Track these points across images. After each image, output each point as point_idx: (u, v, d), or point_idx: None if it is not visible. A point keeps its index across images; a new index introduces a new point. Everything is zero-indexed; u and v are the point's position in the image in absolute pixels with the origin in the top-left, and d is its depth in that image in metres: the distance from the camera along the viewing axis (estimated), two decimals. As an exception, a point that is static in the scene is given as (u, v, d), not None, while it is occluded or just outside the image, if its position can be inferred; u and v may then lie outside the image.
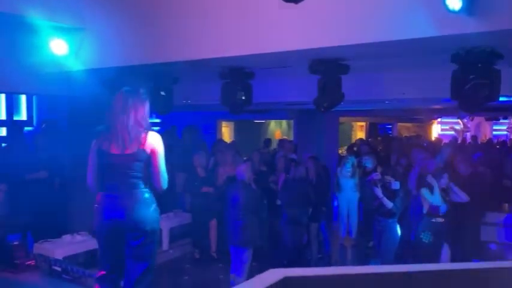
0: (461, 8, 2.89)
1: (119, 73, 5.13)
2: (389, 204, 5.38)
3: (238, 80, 4.97)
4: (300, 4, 3.09)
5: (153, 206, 3.07)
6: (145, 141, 2.98)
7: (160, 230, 6.64)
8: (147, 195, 3.04)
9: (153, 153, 3.00)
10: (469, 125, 16.80)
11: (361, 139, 13.77)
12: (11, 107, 8.54)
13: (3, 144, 7.58)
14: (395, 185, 5.43)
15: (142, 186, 3.02)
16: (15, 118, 8.66)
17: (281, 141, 9.47)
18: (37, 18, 4.38)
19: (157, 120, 10.08)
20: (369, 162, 7.20)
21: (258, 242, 5.47)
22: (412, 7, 3.18)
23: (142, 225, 3.00)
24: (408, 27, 3.24)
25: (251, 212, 5.30)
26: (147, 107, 3.09)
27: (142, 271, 3.09)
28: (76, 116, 6.73)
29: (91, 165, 3.13)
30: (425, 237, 5.19)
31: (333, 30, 3.53)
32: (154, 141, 3.02)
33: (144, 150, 2.98)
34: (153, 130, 3.09)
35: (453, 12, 2.93)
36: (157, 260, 6.37)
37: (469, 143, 12.65)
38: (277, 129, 15.77)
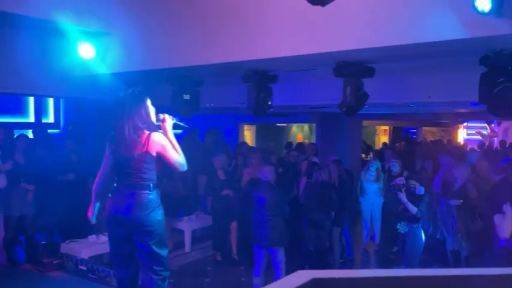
0: (491, 9, 2.83)
1: (144, 76, 5.21)
2: (413, 209, 5.30)
3: (261, 83, 4.97)
4: (326, 6, 3.08)
5: (156, 208, 3.16)
6: (148, 144, 3.06)
7: (182, 232, 6.80)
8: (151, 197, 3.14)
9: (159, 153, 3.10)
10: (496, 130, 16.37)
11: (385, 143, 13.61)
12: (39, 109, 8.78)
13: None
14: (420, 190, 5.34)
15: (149, 188, 3.13)
16: (43, 121, 8.89)
17: (299, 144, 9.42)
18: (66, 23, 4.53)
19: (181, 124, 10.18)
20: (396, 167, 7.10)
21: (287, 242, 5.51)
22: (440, 8, 3.13)
23: (145, 224, 3.11)
24: (436, 29, 3.19)
25: (278, 212, 5.35)
26: (145, 109, 3.14)
27: (155, 271, 3.17)
28: (102, 118, 6.86)
29: (102, 167, 3.29)
30: None
31: (359, 32, 3.51)
32: (159, 144, 3.08)
33: (149, 153, 3.07)
34: (156, 130, 3.14)
35: (482, 13, 2.87)
36: (179, 262, 6.50)
37: (497, 148, 12.33)
38: (299, 133, 15.72)
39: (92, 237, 5.72)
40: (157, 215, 3.16)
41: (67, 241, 5.56)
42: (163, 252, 3.20)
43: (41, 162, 6.17)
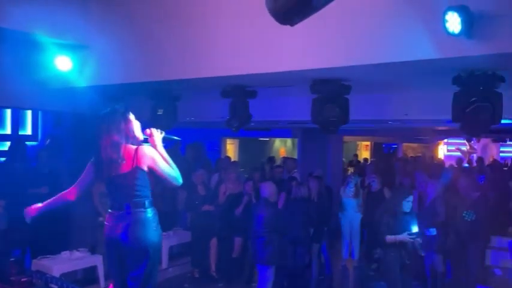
0: (461, 31, 2.89)
1: (122, 90, 5.18)
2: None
3: (240, 98, 4.98)
4: (302, 25, 3.09)
5: (154, 227, 3.01)
6: (136, 159, 2.93)
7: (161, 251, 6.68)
8: (148, 215, 2.99)
9: (150, 167, 2.95)
10: (475, 147, 16.65)
11: (365, 159, 13.70)
12: (17, 121, 8.62)
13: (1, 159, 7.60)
14: (431, 232, 5.49)
15: (144, 205, 2.98)
16: (20, 133, 8.73)
17: (285, 159, 9.43)
18: (43, 35, 4.50)
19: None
20: (375, 183, 7.15)
21: (280, 261, 5.45)
22: (413, 29, 3.18)
23: (141, 246, 2.96)
24: (409, 49, 3.25)
25: (272, 229, 5.29)
26: (126, 124, 3.01)
27: None
28: (80, 131, 6.77)
29: (80, 180, 3.13)
30: None
31: (334, 51, 3.55)
32: (148, 157, 2.94)
33: (139, 168, 2.94)
34: (140, 144, 3.01)
35: (453, 35, 2.94)
36: (157, 279, 6.38)
37: (475, 165, 12.52)
38: (282, 147, 15.74)
39: (65, 253, 5.60)
40: (155, 235, 3.00)
41: (39, 257, 5.42)
42: (153, 281, 3.05)
43: (14, 175, 6.04)
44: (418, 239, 4.66)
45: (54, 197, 3.23)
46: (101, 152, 2.96)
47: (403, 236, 4.62)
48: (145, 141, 3.06)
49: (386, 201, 5.65)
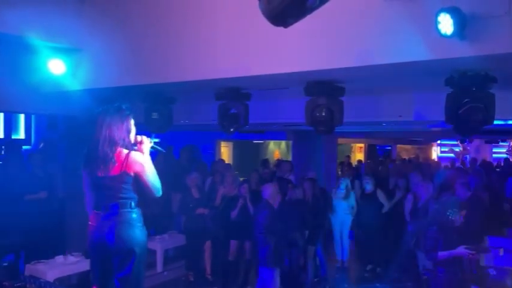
0: (453, 32, 2.92)
1: (116, 93, 5.15)
2: None
3: (234, 100, 4.97)
4: (295, 27, 3.10)
5: (140, 227, 3.04)
6: (126, 164, 2.93)
7: (154, 252, 6.66)
8: (134, 215, 3.01)
9: (137, 174, 2.95)
10: (468, 147, 16.78)
11: (359, 160, 13.74)
12: (10, 125, 8.58)
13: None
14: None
15: (130, 206, 3.00)
16: (13, 137, 8.68)
17: (279, 162, 9.44)
18: (36, 39, 4.48)
19: (156, 140, 10.12)
20: (369, 184, 7.17)
21: (281, 263, 5.43)
22: (406, 31, 3.20)
23: (128, 246, 2.97)
24: (402, 50, 3.27)
25: (271, 231, 5.26)
26: (127, 125, 3.01)
27: None
28: (73, 135, 6.74)
29: (85, 188, 3.13)
30: None
31: (327, 53, 3.56)
32: (138, 163, 2.95)
33: (127, 173, 2.94)
34: (132, 149, 3.01)
35: (445, 36, 2.96)
36: (151, 282, 6.35)
37: (468, 166, 12.61)
38: (276, 150, 15.76)
39: (59, 258, 5.55)
40: (141, 235, 3.02)
41: (33, 262, 5.38)
42: (140, 281, 3.05)
43: (10, 180, 5.99)
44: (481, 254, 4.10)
45: (87, 210, 3.16)
46: (98, 147, 2.94)
47: (459, 251, 4.12)
48: (134, 145, 3.05)
49: (432, 213, 5.43)
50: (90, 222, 3.06)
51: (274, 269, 5.29)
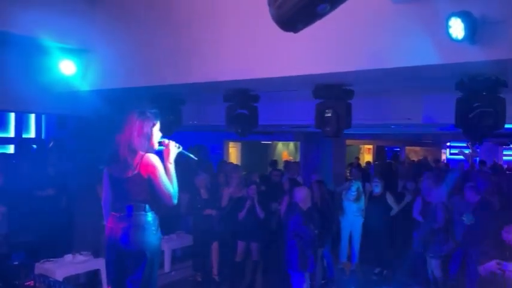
0: (464, 37, 2.89)
1: (125, 94, 5.19)
2: None
3: (242, 102, 4.98)
4: (305, 31, 3.10)
5: (153, 231, 3.03)
6: (141, 165, 2.94)
7: (162, 252, 6.69)
8: (149, 218, 3.01)
9: (150, 177, 2.95)
10: (478, 150, 16.61)
11: (368, 162, 13.67)
12: (20, 124, 8.67)
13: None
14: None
15: (145, 209, 3.00)
16: (24, 136, 8.78)
17: (287, 163, 9.42)
18: (47, 40, 4.52)
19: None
20: (378, 187, 7.14)
21: (308, 267, 5.36)
22: (416, 35, 3.18)
23: (139, 249, 2.98)
24: (412, 54, 3.24)
25: (296, 235, 5.22)
26: (150, 128, 3.02)
27: None
28: (83, 134, 6.80)
29: (104, 186, 3.17)
30: None
31: (337, 56, 3.55)
32: (150, 165, 2.94)
33: (141, 174, 2.95)
34: (152, 152, 3.02)
35: (456, 40, 2.94)
36: (159, 282, 6.33)
37: (478, 168, 12.49)
38: (284, 151, 15.75)
39: (68, 257, 5.59)
40: (154, 239, 3.02)
41: (42, 261, 5.43)
42: (152, 284, 3.05)
43: (20, 179, 6.06)
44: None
45: (105, 218, 3.19)
46: (119, 151, 2.97)
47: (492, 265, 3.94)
48: (159, 151, 3.05)
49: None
50: (107, 224, 3.09)
51: (304, 273, 5.24)
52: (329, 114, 4.16)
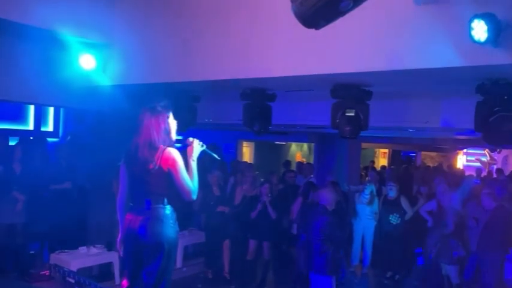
0: (487, 39, 2.86)
1: (144, 89, 5.24)
2: None
3: (259, 101, 4.99)
4: (325, 28, 3.09)
5: (171, 224, 3.06)
6: (161, 159, 2.97)
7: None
8: (167, 212, 3.05)
9: (170, 170, 2.97)
10: (496, 157, 16.35)
11: (383, 166, 13.57)
12: (39, 118, 8.80)
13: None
14: None
15: (163, 202, 3.04)
16: (42, 129, 8.90)
17: (300, 164, 9.39)
18: (67, 33, 4.57)
19: (179, 137, 10.17)
20: (393, 191, 7.08)
21: (341, 272, 5.27)
22: (438, 37, 3.15)
23: (157, 241, 3.01)
24: (433, 56, 3.22)
25: (328, 238, 5.07)
26: (164, 124, 3.05)
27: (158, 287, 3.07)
28: (101, 129, 6.88)
29: (121, 181, 3.20)
30: None
31: (356, 56, 3.53)
32: (170, 158, 2.97)
33: (161, 168, 2.98)
34: (173, 146, 3.05)
35: (479, 43, 2.90)
36: (171, 276, 6.42)
37: (495, 176, 12.31)
38: (298, 152, 15.71)
39: (82, 249, 5.68)
40: (172, 232, 3.05)
41: (57, 251, 5.51)
42: (167, 278, 3.06)
43: (36, 171, 6.16)
44: None
45: (119, 215, 3.25)
46: (138, 151, 3.00)
47: None
48: (184, 148, 3.08)
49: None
50: (126, 216, 3.13)
51: (331, 277, 5.10)
52: (351, 114, 4.13)
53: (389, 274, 7.17)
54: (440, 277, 6.08)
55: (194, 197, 3.02)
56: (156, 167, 2.97)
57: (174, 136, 3.12)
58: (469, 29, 2.91)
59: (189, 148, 3.09)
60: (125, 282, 3.19)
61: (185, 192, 2.98)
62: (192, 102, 5.64)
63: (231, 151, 13.33)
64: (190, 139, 3.12)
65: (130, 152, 3.08)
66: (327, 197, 5.25)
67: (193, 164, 3.06)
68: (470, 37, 2.91)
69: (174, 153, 3.00)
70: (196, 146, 3.11)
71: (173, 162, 2.97)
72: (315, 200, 6.11)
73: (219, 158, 3.35)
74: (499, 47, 2.91)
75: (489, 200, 5.78)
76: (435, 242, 6.05)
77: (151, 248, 3.01)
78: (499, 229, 5.64)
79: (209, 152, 3.21)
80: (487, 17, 2.83)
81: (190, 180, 2.99)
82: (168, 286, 3.13)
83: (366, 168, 13.53)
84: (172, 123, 3.11)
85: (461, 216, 5.97)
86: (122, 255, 3.27)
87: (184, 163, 3.04)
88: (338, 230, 5.20)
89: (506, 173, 12.58)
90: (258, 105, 5.07)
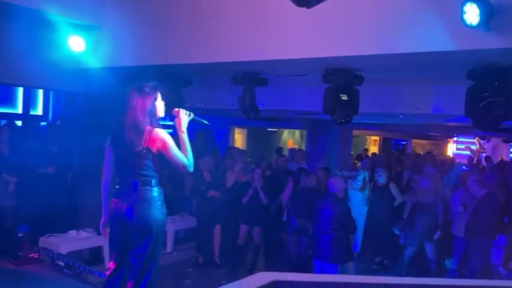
0: (479, 23, 2.85)
1: (135, 72, 5.17)
2: None
3: (251, 85, 4.96)
4: (317, 12, 3.05)
5: (159, 206, 3.04)
6: (149, 140, 2.92)
7: (165, 232, 6.73)
8: (154, 194, 3.01)
9: (161, 151, 2.93)
10: (485, 146, 16.51)
11: (374, 153, 13.62)
12: (28, 101, 8.69)
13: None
14: None
15: (150, 184, 3.00)
16: (31, 113, 8.80)
17: (292, 151, 9.41)
18: (56, 14, 4.49)
19: (170, 123, 10.11)
20: (382, 177, 7.12)
21: (346, 259, 5.29)
22: (430, 20, 3.14)
23: (145, 223, 2.99)
24: (425, 40, 3.20)
25: (339, 226, 5.09)
26: (152, 103, 2.98)
27: (146, 270, 3.06)
28: (91, 112, 6.81)
29: (105, 164, 3.15)
30: None
31: (348, 39, 3.51)
32: (159, 139, 2.93)
33: (150, 149, 2.94)
34: (159, 127, 3.00)
35: (471, 27, 2.89)
36: (161, 262, 6.41)
37: (484, 164, 12.44)
38: (290, 139, 15.72)
39: (72, 233, 5.66)
40: (160, 214, 3.02)
41: (46, 235, 5.49)
42: (155, 260, 3.06)
43: (25, 154, 6.10)
44: None
45: (103, 198, 3.20)
46: (124, 133, 2.94)
47: None
48: (172, 120, 3.01)
49: None
50: (113, 198, 3.08)
51: (337, 265, 5.14)
52: (345, 98, 4.11)
53: (378, 259, 7.24)
54: (428, 261, 6.17)
55: (191, 169, 2.98)
56: (144, 150, 2.93)
57: (162, 115, 3.04)
58: (462, 12, 2.89)
59: (176, 120, 3.01)
60: (111, 264, 3.16)
61: (180, 167, 2.95)
62: (180, 87, 5.57)
63: (223, 137, 13.31)
64: (176, 109, 3.03)
65: (116, 134, 3.03)
66: (337, 185, 5.23)
67: (184, 136, 2.99)
68: (463, 21, 2.90)
69: (162, 133, 2.95)
70: (184, 117, 3.01)
71: (162, 142, 2.92)
72: (306, 186, 6.14)
73: (208, 123, 3.19)
74: (490, 31, 2.90)
75: (477, 187, 5.84)
76: (421, 227, 6.17)
77: (139, 230, 2.99)
78: (487, 215, 5.71)
79: (198, 119, 3.11)
80: (480, 1, 2.81)
81: (183, 155, 2.94)
82: (156, 268, 3.12)
83: (359, 156, 13.58)
84: (160, 105, 3.04)
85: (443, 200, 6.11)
86: (105, 239, 3.24)
87: (174, 139, 2.99)
88: (352, 218, 5.21)
89: (495, 161, 12.71)
90: (251, 90, 5.03)
